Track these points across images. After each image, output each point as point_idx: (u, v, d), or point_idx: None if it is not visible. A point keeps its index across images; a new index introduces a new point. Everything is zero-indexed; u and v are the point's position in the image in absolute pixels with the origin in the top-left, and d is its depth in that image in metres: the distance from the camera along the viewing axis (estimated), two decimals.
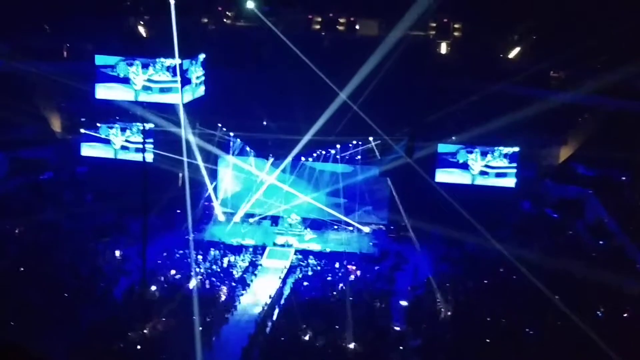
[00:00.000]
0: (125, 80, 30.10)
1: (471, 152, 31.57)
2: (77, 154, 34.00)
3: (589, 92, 29.29)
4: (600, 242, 29.16)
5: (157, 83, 29.71)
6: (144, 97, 30.15)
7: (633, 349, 20.36)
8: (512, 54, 31.60)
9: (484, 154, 31.52)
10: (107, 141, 33.29)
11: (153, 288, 25.53)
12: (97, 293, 25.74)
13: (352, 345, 22.11)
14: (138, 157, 32.04)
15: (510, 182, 31.70)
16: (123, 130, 33.08)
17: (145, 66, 29.80)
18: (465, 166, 31.68)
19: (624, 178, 30.97)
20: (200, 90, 31.29)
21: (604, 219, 29.79)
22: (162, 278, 26.76)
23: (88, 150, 33.63)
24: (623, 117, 29.51)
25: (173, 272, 27.20)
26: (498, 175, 31.57)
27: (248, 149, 34.19)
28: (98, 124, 33.21)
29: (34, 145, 34.53)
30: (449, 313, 24.65)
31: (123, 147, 33.21)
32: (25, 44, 33.01)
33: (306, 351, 21.78)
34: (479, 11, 29.57)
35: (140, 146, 31.73)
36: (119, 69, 30.07)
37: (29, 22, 32.51)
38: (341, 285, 26.81)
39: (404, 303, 25.60)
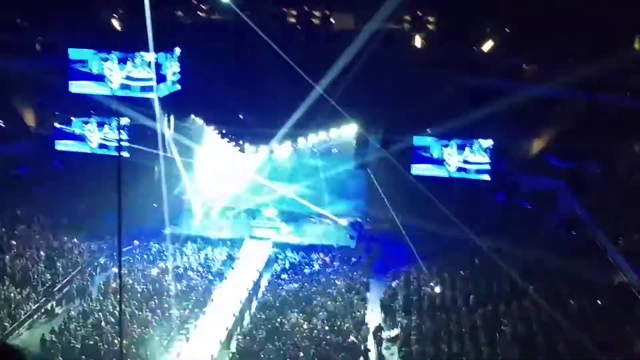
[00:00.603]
0: (100, 78, 29.78)
1: (446, 146, 31.79)
2: (52, 149, 33.72)
3: (561, 86, 29.63)
4: (573, 233, 29.58)
5: (136, 81, 29.38)
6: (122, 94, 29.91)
7: (604, 337, 20.80)
8: (486, 47, 31.87)
9: (461, 148, 31.73)
10: (81, 138, 33.02)
11: (130, 281, 25.50)
12: (73, 287, 25.69)
13: (329, 337, 22.32)
14: (114, 151, 31.84)
15: (486, 176, 32.03)
16: (100, 125, 32.83)
17: (122, 61, 29.50)
18: (440, 162, 31.91)
19: (597, 170, 31.39)
20: (176, 84, 31.15)
21: (576, 210, 30.20)
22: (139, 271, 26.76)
23: (63, 146, 33.41)
24: (595, 110, 29.91)
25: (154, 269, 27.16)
26: (478, 172, 31.85)
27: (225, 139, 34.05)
28: (72, 118, 32.92)
29: (7, 140, 34.22)
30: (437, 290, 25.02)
31: (101, 146, 33.01)
32: None
33: (284, 344, 21.93)
34: (453, 4, 29.79)
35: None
36: (91, 65, 29.70)
37: (1, 16, 32.20)
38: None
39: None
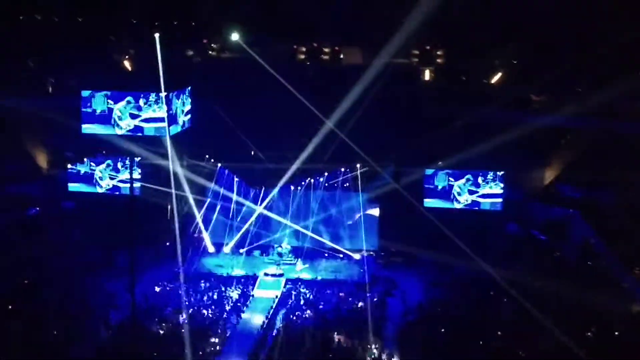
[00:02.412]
0: (110, 120, 29.87)
1: (457, 179, 31.93)
2: (64, 189, 33.89)
3: (571, 114, 29.66)
4: (588, 263, 29.39)
5: (148, 122, 29.44)
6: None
7: None
8: (494, 79, 32.01)
9: (472, 180, 31.88)
10: (93, 180, 33.26)
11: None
12: (86, 330, 25.53)
13: None
14: (126, 190, 31.98)
15: (498, 206, 32.06)
16: (112, 166, 33.08)
17: (134, 101, 29.57)
18: (450, 196, 32.00)
19: (610, 198, 31.25)
20: (188, 123, 31.33)
21: (590, 239, 30.02)
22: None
23: (75, 187, 33.64)
24: (606, 137, 29.88)
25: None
26: (492, 204, 32.00)
27: (236, 180, 34.28)
28: (85, 159, 33.20)
29: (19, 181, 34.38)
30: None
31: (113, 189, 33.28)
32: (9, 80, 33.01)
33: None
34: (460, 38, 30.00)
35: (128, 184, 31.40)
36: (102, 106, 29.82)
37: (13, 58, 32.54)
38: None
39: None
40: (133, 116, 29.50)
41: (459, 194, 32.06)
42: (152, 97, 29.22)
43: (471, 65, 31.59)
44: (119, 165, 33.26)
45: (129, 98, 29.60)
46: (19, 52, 31.81)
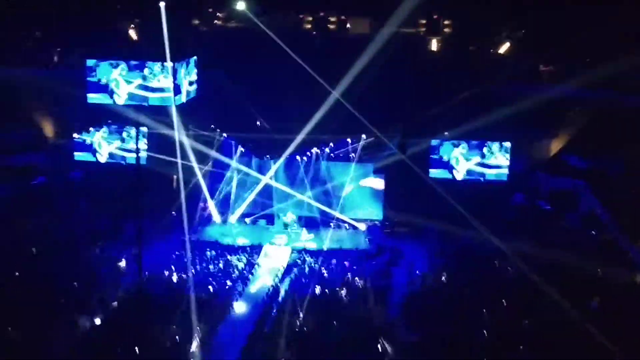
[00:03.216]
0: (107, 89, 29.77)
1: (458, 148, 31.92)
2: (70, 159, 34.02)
3: (579, 85, 29.49)
4: (593, 233, 29.41)
5: (154, 91, 29.34)
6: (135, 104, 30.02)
7: (628, 339, 20.62)
8: (502, 49, 31.80)
9: (478, 149, 31.83)
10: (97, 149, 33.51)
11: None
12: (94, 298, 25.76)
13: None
14: (132, 159, 32.09)
15: (504, 177, 32.05)
16: (118, 133, 33.16)
17: (139, 70, 29.46)
18: (454, 167, 32.04)
19: (617, 169, 31.18)
20: (193, 92, 31.28)
21: (596, 210, 30.01)
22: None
23: (81, 157, 33.78)
24: (615, 109, 29.73)
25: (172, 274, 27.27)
26: (496, 174, 32.03)
27: (241, 149, 34.29)
28: (91, 129, 33.28)
29: (25, 151, 34.52)
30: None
31: (113, 156, 33.40)
32: (15, 50, 33.00)
33: (305, 348, 21.91)
34: (468, 7, 29.77)
35: (134, 154, 31.41)
36: (107, 76, 29.72)
37: (19, 28, 32.49)
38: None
39: None
40: (128, 83, 29.38)
41: (463, 164, 32.00)
42: (158, 66, 29.11)
43: (479, 35, 31.40)
44: (125, 134, 33.30)
45: (123, 64, 29.42)
46: (24, 22, 31.78)
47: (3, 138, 32.93)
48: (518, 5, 29.25)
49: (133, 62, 29.36)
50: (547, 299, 23.55)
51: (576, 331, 21.40)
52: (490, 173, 32.13)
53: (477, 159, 32.03)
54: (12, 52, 32.72)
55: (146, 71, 29.25)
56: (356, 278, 27.13)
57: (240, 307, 25.45)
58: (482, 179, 32.20)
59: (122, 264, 28.13)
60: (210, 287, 26.37)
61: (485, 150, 31.94)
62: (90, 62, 29.76)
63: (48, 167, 35.06)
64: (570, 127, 32.88)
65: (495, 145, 31.82)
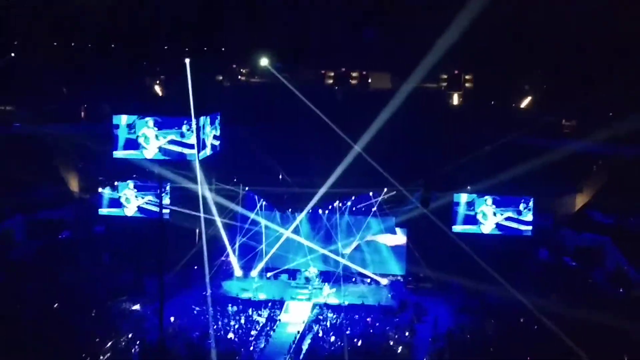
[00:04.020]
0: (139, 144, 30.05)
1: (485, 204, 31.69)
2: (94, 213, 34.29)
3: (601, 140, 29.40)
4: (620, 290, 28.88)
5: (178, 145, 29.58)
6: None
7: None
8: (524, 103, 31.91)
9: (502, 205, 31.59)
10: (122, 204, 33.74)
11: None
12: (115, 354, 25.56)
13: None
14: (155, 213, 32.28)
15: (528, 232, 31.73)
16: (141, 189, 33.42)
17: (164, 126, 29.70)
18: (477, 222, 31.83)
19: None
20: (217, 147, 31.56)
21: (623, 266, 29.54)
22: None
23: (106, 212, 34.05)
24: (636, 163, 29.54)
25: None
26: (520, 230, 31.73)
27: (264, 203, 34.39)
28: (116, 183, 33.61)
29: (52, 207, 34.87)
30: None
31: (141, 210, 33.60)
32: (44, 107, 33.69)
33: None
34: (490, 62, 30.02)
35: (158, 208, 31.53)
36: (133, 131, 29.98)
37: (47, 85, 33.23)
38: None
39: None
40: (159, 139, 29.66)
41: (487, 219, 31.74)
42: (183, 122, 29.44)
43: (500, 90, 31.56)
44: (149, 192, 33.57)
45: (150, 120, 29.67)
46: (53, 79, 32.51)
47: (31, 194, 33.32)
48: (539, 59, 29.44)
49: (165, 118, 29.62)
50: (574, 358, 23.03)
51: None
52: (514, 228, 31.79)
53: (501, 213, 31.76)
54: (41, 109, 33.39)
55: (184, 128, 29.42)
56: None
57: None
58: (506, 233, 31.82)
59: (143, 319, 27.99)
60: (232, 343, 26.14)
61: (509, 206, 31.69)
62: (116, 119, 30.16)
63: (73, 221, 35.34)
64: (594, 182, 32.65)
65: (521, 204, 31.55)
